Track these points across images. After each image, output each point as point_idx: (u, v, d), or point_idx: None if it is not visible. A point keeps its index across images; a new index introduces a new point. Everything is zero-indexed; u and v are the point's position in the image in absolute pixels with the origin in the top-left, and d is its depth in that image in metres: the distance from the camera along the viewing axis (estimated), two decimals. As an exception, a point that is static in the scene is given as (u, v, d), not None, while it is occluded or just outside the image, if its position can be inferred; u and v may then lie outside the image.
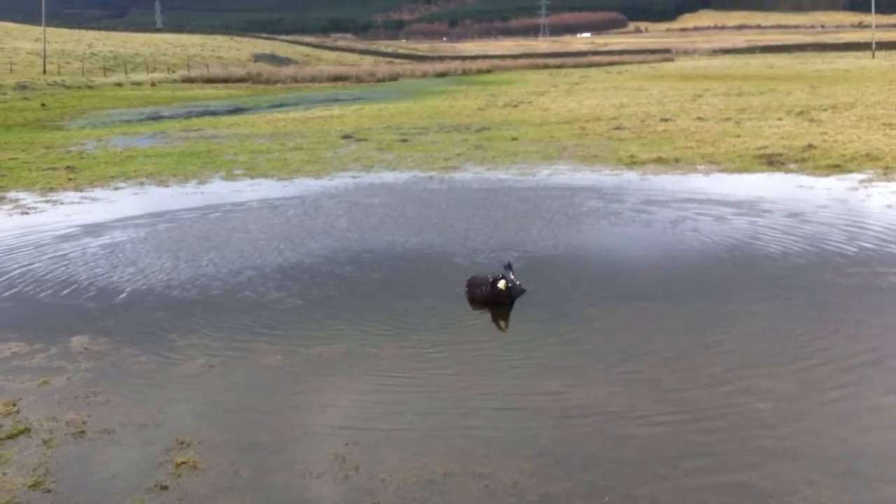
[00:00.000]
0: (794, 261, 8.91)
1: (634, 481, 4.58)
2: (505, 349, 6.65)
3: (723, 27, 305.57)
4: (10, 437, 5.24)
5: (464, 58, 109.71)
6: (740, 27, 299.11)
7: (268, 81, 66.16)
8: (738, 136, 19.71)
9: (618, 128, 22.42)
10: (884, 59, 72.54)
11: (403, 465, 4.80)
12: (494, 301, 7.67)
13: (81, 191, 14.66)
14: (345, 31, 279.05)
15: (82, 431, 5.30)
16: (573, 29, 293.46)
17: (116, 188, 14.93)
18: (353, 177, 15.62)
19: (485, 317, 7.43)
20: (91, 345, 6.81)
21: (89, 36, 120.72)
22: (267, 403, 5.67)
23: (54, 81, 59.67)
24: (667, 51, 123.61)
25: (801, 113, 24.61)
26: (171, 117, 32.68)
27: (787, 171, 14.87)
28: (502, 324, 7.30)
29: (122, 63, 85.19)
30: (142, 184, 15.33)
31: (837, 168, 14.74)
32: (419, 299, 7.89)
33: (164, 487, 4.62)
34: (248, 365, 6.37)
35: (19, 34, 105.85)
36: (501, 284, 7.67)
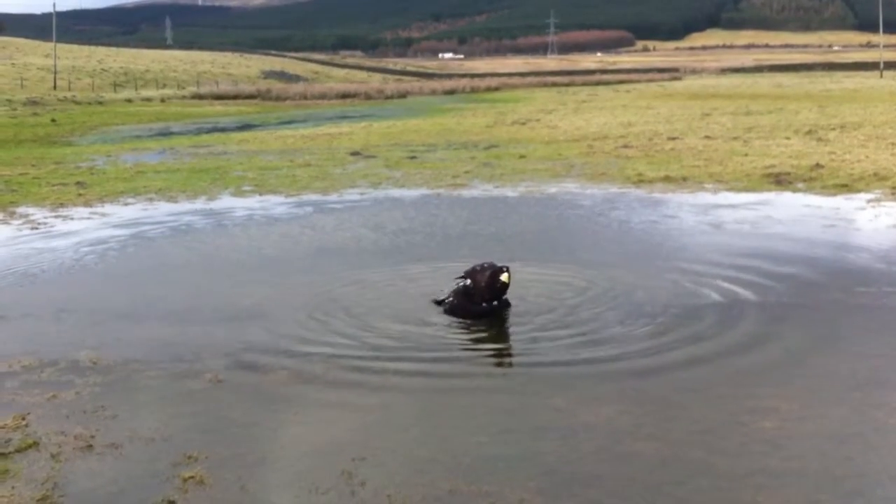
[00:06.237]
0: (800, 279, 8.91)
1: (640, 500, 4.58)
2: (508, 365, 6.68)
3: (731, 46, 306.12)
4: (18, 450, 5.27)
5: (472, 75, 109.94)
6: (748, 46, 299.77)
7: (277, 98, 66.49)
8: (746, 154, 19.72)
9: (626, 146, 22.46)
10: (892, 79, 72.53)
11: (409, 481, 4.81)
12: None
13: (91, 206, 14.75)
14: (354, 48, 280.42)
15: (90, 446, 5.32)
16: (582, 47, 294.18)
17: (126, 204, 15.01)
18: (361, 193, 15.69)
19: (491, 326, 7.46)
20: (100, 359, 6.84)
21: (100, 52, 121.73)
22: (274, 419, 5.69)
23: (65, 97, 60.07)
24: (675, 69, 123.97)
25: (809, 132, 24.60)
26: (181, 133, 32.86)
27: (795, 190, 14.88)
28: (507, 333, 7.32)
29: (132, 79, 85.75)
30: (151, 199, 15.41)
31: (845, 187, 14.74)
32: (428, 315, 7.91)
33: (172, 502, 4.63)
34: (257, 380, 6.39)
35: (30, 50, 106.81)
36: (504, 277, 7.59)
